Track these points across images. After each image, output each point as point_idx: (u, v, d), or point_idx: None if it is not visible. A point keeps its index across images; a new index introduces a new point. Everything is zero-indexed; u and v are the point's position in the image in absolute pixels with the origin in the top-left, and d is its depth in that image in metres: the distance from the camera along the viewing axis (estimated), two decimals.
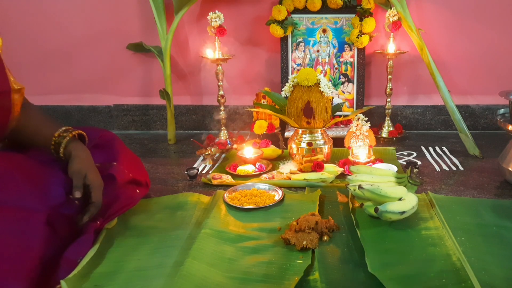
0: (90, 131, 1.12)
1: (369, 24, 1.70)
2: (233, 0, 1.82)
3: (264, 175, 1.40)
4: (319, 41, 1.80)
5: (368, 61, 1.85)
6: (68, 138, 1.02)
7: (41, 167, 0.98)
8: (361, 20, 1.72)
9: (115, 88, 1.97)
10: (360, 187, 1.09)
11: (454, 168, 1.47)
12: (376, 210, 1.04)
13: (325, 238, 1.02)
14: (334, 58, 1.81)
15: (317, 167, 1.38)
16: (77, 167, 0.99)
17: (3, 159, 0.94)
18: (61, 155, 1.02)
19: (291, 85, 1.42)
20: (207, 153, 1.54)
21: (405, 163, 1.52)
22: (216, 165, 1.53)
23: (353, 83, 1.82)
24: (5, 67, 1.02)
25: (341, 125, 1.78)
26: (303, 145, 1.43)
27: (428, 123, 1.92)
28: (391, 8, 1.68)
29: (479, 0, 1.79)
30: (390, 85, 1.77)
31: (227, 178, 1.37)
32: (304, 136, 1.44)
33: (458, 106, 1.63)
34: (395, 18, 1.67)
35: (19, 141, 1.06)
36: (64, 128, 1.05)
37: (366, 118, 1.51)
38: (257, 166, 1.46)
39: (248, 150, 1.50)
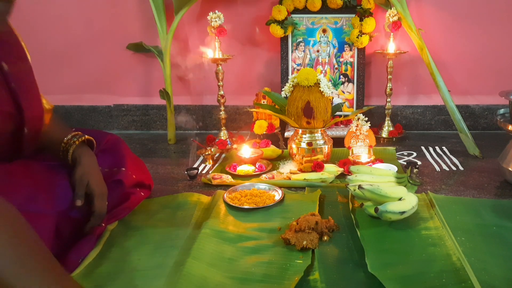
0: (97, 135, 1.13)
1: (369, 24, 1.70)
2: (233, 0, 1.82)
3: (264, 175, 1.40)
4: (319, 41, 1.80)
5: (368, 61, 1.85)
6: (75, 145, 1.02)
7: (49, 171, 0.98)
8: (361, 20, 1.72)
9: (115, 88, 1.98)
10: (360, 187, 1.09)
11: (454, 168, 1.47)
12: (376, 210, 1.04)
13: (325, 238, 1.02)
14: (334, 58, 1.81)
15: (317, 167, 1.38)
16: (79, 174, 0.99)
17: (11, 164, 0.94)
18: (70, 162, 1.02)
19: (291, 85, 1.42)
20: (207, 153, 1.54)
21: (405, 163, 1.52)
22: (216, 165, 1.53)
23: (353, 83, 1.82)
24: (38, 89, 1.01)
25: (341, 125, 1.78)
26: (303, 145, 1.43)
27: (428, 123, 1.92)
28: (391, 8, 1.68)
29: (479, 0, 1.79)
30: (390, 85, 1.77)
31: (227, 178, 1.37)
32: (304, 136, 1.44)
33: (458, 106, 1.63)
34: (395, 18, 1.67)
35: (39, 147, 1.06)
36: (72, 134, 1.04)
37: (366, 118, 1.51)
38: (257, 166, 1.46)
39: (247, 150, 1.50)
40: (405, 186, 1.28)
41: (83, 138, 1.04)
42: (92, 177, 1.00)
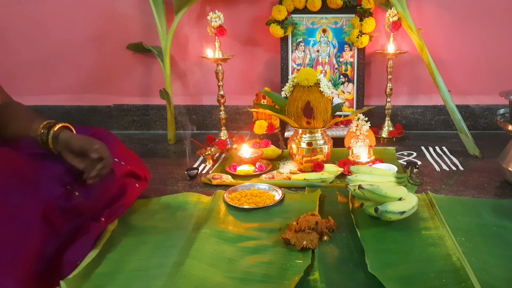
0: (83, 129, 1.11)
1: (369, 24, 1.70)
2: (233, 0, 1.82)
3: (264, 175, 1.40)
4: (319, 41, 1.80)
5: (368, 61, 1.85)
6: (52, 132, 1.00)
7: (32, 162, 0.97)
8: (361, 20, 1.72)
9: (115, 88, 1.97)
10: (360, 187, 1.09)
11: (454, 168, 1.47)
12: (376, 210, 1.04)
13: (325, 238, 1.02)
14: (334, 58, 1.81)
15: (317, 167, 1.38)
16: (81, 140, 1.00)
17: None
18: (53, 149, 1.00)
19: (291, 85, 1.42)
20: (207, 153, 1.54)
21: (405, 163, 1.52)
22: (216, 165, 1.53)
23: (353, 83, 1.82)
24: None
25: (341, 125, 1.78)
26: (303, 145, 1.43)
27: (428, 123, 1.92)
28: (391, 8, 1.68)
29: (479, 0, 1.79)
30: (390, 85, 1.77)
31: (227, 178, 1.37)
32: (304, 136, 1.44)
33: (458, 106, 1.63)
34: (395, 18, 1.67)
35: (4, 138, 1.06)
36: (44, 123, 1.02)
37: (366, 118, 1.51)
38: (257, 166, 1.46)
39: (247, 150, 1.50)
40: (405, 186, 1.28)
41: (59, 125, 1.02)
42: (86, 137, 1.02)
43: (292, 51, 1.81)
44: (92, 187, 1.02)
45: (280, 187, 1.29)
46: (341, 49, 1.80)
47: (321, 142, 1.44)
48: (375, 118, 1.86)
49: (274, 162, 1.52)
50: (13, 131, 1.04)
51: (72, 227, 0.97)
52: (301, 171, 1.41)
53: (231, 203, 1.20)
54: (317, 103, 1.39)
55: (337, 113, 1.58)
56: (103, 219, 1.03)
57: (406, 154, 1.62)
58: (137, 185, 1.18)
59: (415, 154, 1.62)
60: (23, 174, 0.92)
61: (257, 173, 1.43)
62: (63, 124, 1.04)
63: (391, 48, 1.74)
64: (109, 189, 1.07)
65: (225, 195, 1.24)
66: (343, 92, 1.83)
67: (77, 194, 0.98)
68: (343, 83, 1.82)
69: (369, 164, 1.41)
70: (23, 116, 1.06)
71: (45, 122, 1.02)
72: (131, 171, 1.18)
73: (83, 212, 1.00)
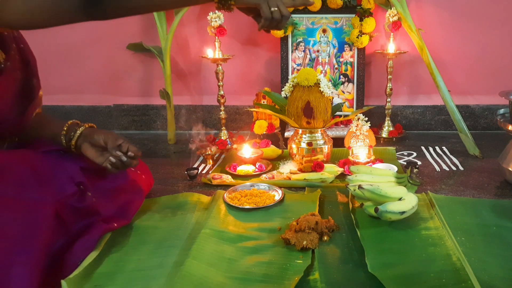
0: None
1: (369, 24, 1.70)
2: None
3: (264, 175, 1.40)
4: (319, 41, 1.80)
5: (368, 61, 1.85)
6: (79, 131, 1.02)
7: (47, 160, 0.98)
8: (361, 20, 1.72)
9: (115, 88, 1.97)
10: (360, 187, 1.09)
11: (454, 168, 1.47)
12: (376, 210, 1.04)
13: (325, 238, 1.02)
14: (334, 58, 1.81)
15: (317, 167, 1.38)
16: (104, 133, 1.02)
17: (9, 154, 0.95)
18: (73, 147, 1.02)
19: (291, 85, 1.42)
20: (207, 153, 1.54)
21: (405, 163, 1.52)
22: (216, 165, 1.53)
23: (353, 83, 1.82)
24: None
25: (341, 125, 1.78)
26: (303, 145, 1.43)
27: (428, 123, 1.92)
28: (391, 8, 1.68)
29: (479, 0, 1.79)
30: (390, 85, 1.77)
31: (227, 178, 1.37)
32: (304, 136, 1.44)
33: (458, 106, 1.63)
34: (395, 18, 1.67)
35: (28, 140, 1.07)
36: (70, 122, 1.05)
37: (366, 118, 1.51)
38: (257, 166, 1.46)
39: (247, 150, 1.50)
40: (405, 186, 1.28)
41: (87, 125, 1.05)
42: (111, 132, 1.04)
43: (292, 51, 1.81)
44: (104, 189, 1.04)
45: (280, 187, 1.29)
46: (341, 49, 1.80)
47: (321, 142, 1.44)
48: (375, 118, 1.86)
49: (274, 162, 1.52)
50: (41, 135, 1.06)
51: (81, 227, 0.98)
52: (301, 171, 1.41)
53: (231, 203, 1.20)
54: (317, 103, 1.39)
55: (337, 113, 1.58)
56: (115, 224, 1.04)
57: (406, 154, 1.62)
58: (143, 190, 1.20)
59: (415, 154, 1.62)
60: (38, 171, 0.93)
61: (257, 173, 1.43)
62: (89, 124, 1.06)
63: (391, 48, 1.74)
64: (120, 191, 1.09)
65: (225, 195, 1.24)
66: (343, 92, 1.83)
67: (90, 194, 0.99)
68: (343, 83, 1.82)
69: (369, 164, 1.41)
70: (49, 120, 1.08)
71: (70, 122, 1.05)
72: (140, 176, 1.20)
73: (94, 213, 1.01)
